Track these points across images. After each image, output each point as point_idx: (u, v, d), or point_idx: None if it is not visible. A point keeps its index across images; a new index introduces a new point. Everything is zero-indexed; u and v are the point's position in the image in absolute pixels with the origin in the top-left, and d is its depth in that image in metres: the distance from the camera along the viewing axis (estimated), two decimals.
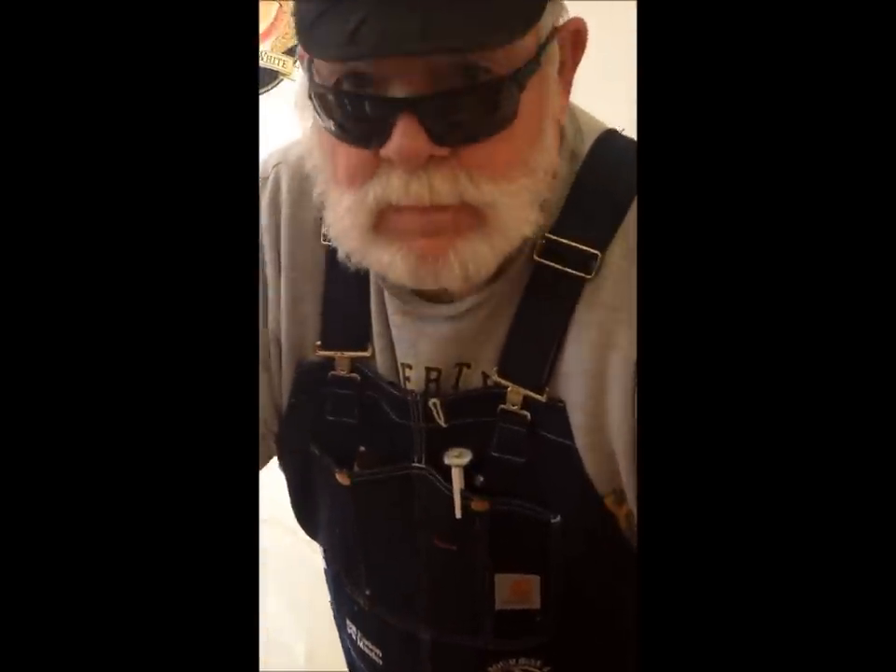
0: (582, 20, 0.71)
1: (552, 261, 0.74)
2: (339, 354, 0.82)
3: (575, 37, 0.71)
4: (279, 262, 0.83)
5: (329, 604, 1.06)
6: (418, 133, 0.63)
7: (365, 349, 0.82)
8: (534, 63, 0.66)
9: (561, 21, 0.69)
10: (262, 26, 2.32)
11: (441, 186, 0.66)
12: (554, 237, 0.74)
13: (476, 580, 0.82)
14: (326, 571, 1.02)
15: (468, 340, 0.78)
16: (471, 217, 0.68)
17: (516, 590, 0.83)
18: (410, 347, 0.79)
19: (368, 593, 0.91)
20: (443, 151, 0.65)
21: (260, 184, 0.84)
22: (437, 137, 0.64)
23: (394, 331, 0.80)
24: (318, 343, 0.83)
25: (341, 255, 0.74)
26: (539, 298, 0.75)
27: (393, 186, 0.66)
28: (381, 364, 0.81)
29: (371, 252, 0.71)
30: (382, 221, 0.69)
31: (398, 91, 0.63)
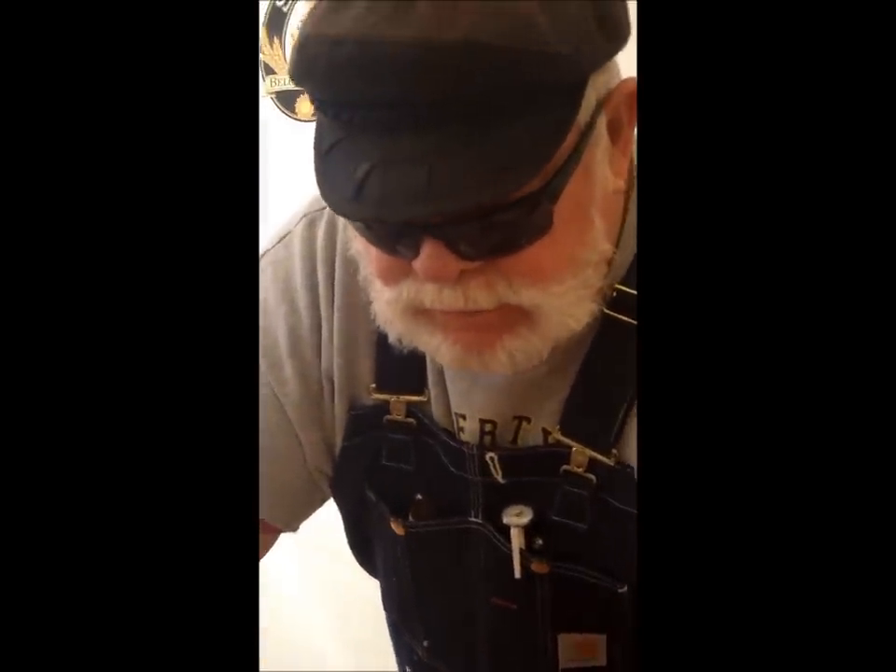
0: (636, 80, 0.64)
1: (622, 314, 0.69)
2: (394, 398, 0.79)
3: (630, 100, 0.64)
4: (333, 298, 0.79)
5: (376, 631, 1.02)
6: (445, 254, 0.60)
7: (421, 394, 0.78)
8: (571, 162, 0.60)
9: (613, 84, 0.63)
10: None
11: (478, 294, 0.62)
12: (625, 288, 0.69)
13: (538, 639, 0.78)
14: (387, 617, 0.99)
15: (524, 394, 0.73)
16: (517, 314, 0.64)
17: (582, 648, 0.78)
18: (463, 397, 0.76)
19: (426, 644, 0.87)
20: (475, 265, 0.61)
21: (316, 218, 0.81)
22: (466, 256, 0.60)
23: (447, 379, 0.76)
24: (373, 385, 0.80)
25: (391, 337, 0.71)
26: (608, 352, 0.70)
27: (426, 291, 0.63)
28: (436, 411, 0.78)
29: (417, 336, 0.68)
30: (424, 311, 0.65)
31: None
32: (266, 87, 1.77)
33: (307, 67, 0.59)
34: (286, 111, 1.78)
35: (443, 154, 0.56)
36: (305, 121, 1.76)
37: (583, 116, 0.60)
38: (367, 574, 0.96)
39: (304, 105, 1.76)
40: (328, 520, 0.93)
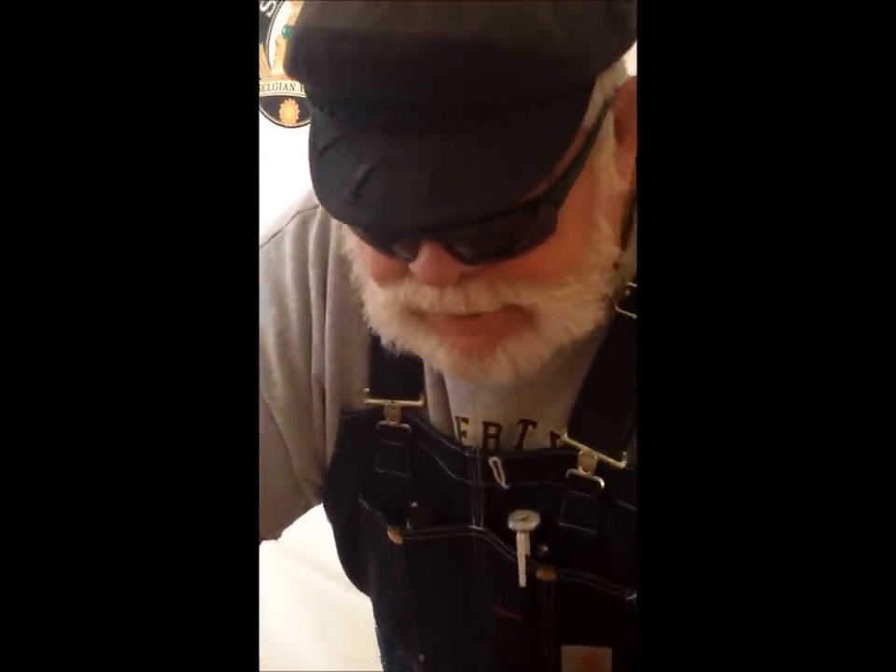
0: None
1: (635, 312, 0.66)
2: (389, 402, 0.76)
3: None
4: (325, 300, 0.77)
5: (361, 642, 1.00)
6: (445, 257, 0.58)
7: (417, 398, 0.75)
8: (577, 165, 0.58)
9: (621, 82, 0.61)
10: None
11: (479, 297, 0.60)
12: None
13: (542, 651, 0.76)
14: (376, 630, 0.96)
15: (533, 395, 0.71)
16: (517, 316, 0.62)
17: (586, 662, 0.77)
18: (466, 400, 0.73)
19: (422, 658, 0.85)
20: (476, 268, 0.59)
21: (309, 216, 0.78)
22: (466, 259, 0.58)
23: (448, 382, 0.74)
24: (367, 389, 0.77)
25: (385, 340, 0.69)
26: (619, 350, 0.68)
27: (424, 293, 0.61)
28: (434, 415, 0.75)
29: (413, 340, 0.66)
30: (420, 312, 0.63)
31: None
32: None
33: (304, 62, 0.56)
34: (270, 117, 1.76)
35: (447, 157, 0.53)
36: (290, 127, 1.74)
37: (590, 117, 0.58)
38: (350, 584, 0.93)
39: (289, 111, 1.74)
40: (309, 529, 0.90)
